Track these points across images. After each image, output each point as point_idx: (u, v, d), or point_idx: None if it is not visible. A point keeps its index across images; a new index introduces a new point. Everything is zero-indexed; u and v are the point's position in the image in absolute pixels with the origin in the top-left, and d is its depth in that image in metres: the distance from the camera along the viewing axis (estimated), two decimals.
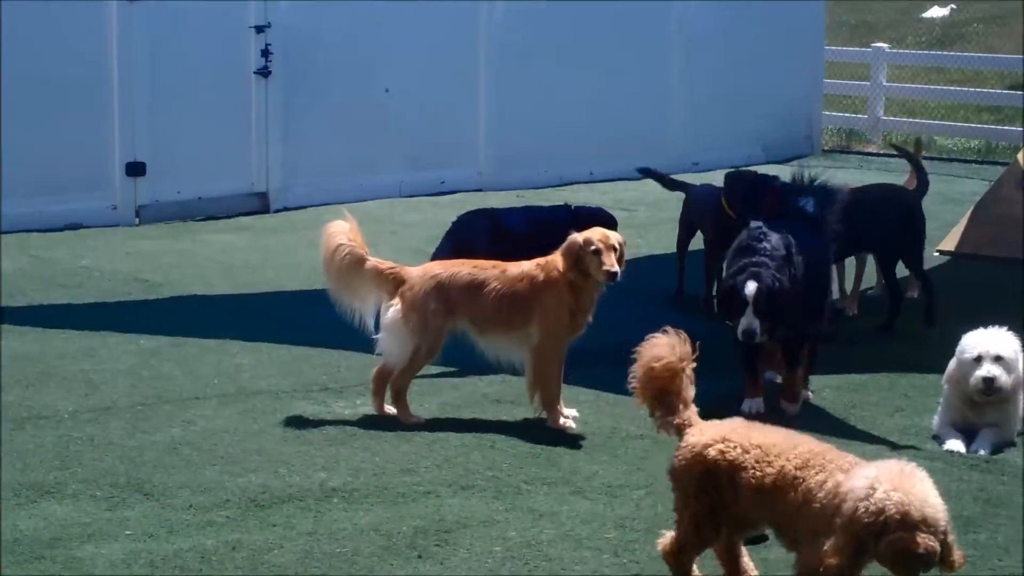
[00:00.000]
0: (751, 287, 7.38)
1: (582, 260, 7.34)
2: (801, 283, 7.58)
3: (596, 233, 7.40)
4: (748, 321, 7.41)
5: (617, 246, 7.37)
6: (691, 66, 17.12)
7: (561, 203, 9.76)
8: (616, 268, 7.31)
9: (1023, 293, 10.45)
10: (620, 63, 16.49)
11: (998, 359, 7.20)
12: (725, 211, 9.69)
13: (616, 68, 16.45)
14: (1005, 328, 7.36)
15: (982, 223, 12.16)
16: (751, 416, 7.03)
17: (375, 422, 7.45)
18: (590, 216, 9.01)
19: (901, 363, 8.79)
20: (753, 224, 7.77)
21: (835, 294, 9.59)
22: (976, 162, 17.78)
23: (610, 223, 8.82)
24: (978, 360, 7.22)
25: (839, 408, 7.92)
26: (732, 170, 10.40)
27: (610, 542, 5.91)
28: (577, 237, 7.40)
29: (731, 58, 17.40)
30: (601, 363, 7.97)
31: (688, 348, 5.26)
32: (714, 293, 9.29)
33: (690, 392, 5.28)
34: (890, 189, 10.62)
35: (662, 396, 5.25)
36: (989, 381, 7.16)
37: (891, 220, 9.69)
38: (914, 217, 9.87)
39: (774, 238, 7.62)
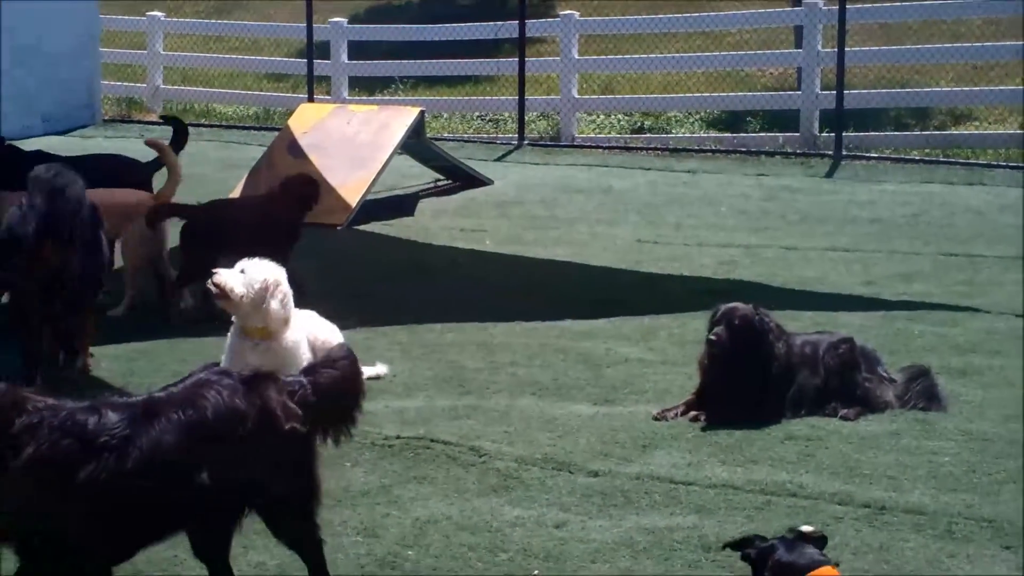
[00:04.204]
0: None
1: None
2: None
3: None
4: None
5: None
6: None
7: None
8: None
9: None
10: None
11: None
12: None
13: None
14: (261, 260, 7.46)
15: (256, 187, 12.52)
16: None
17: None
18: None
19: (181, 330, 8.91)
20: None
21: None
22: (255, 128, 18.24)
23: None
24: None
25: (118, 377, 7.90)
26: None
27: None
28: None
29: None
30: None
31: None
32: None
33: None
34: (114, 159, 10.42)
35: None
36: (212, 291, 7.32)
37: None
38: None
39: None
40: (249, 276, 7.20)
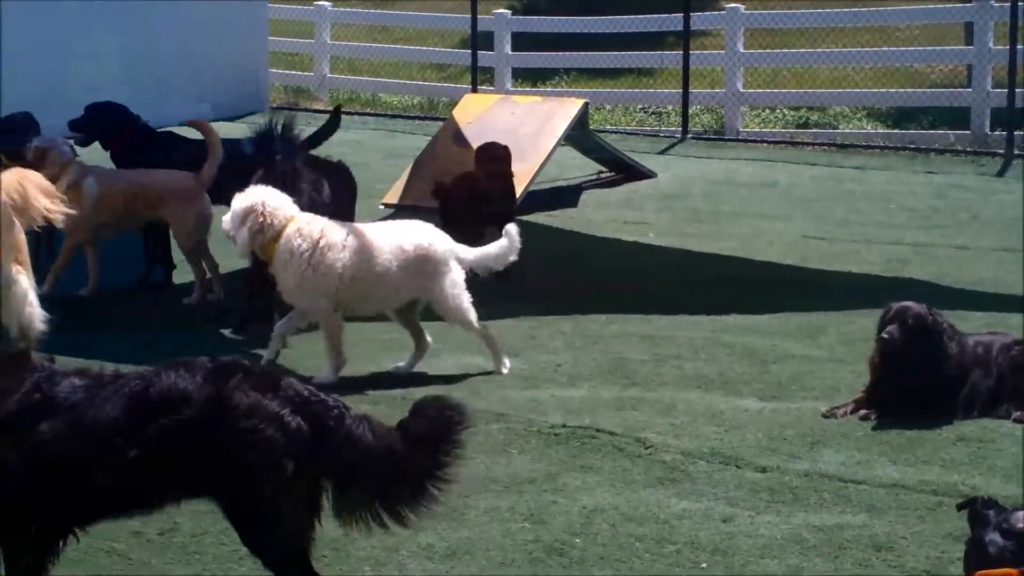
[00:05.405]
0: None
1: None
2: None
3: None
4: None
5: None
6: (131, 24, 16.82)
7: None
8: None
9: None
10: (49, 20, 16.01)
11: None
12: None
13: (37, 25, 15.93)
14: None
15: (421, 177, 12.64)
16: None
17: None
18: None
19: None
20: None
21: None
22: (419, 118, 18.39)
23: None
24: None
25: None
26: None
27: None
28: None
29: (174, 16, 17.23)
30: None
31: None
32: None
33: None
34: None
35: None
36: None
37: None
38: None
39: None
40: (231, 217, 7.57)
